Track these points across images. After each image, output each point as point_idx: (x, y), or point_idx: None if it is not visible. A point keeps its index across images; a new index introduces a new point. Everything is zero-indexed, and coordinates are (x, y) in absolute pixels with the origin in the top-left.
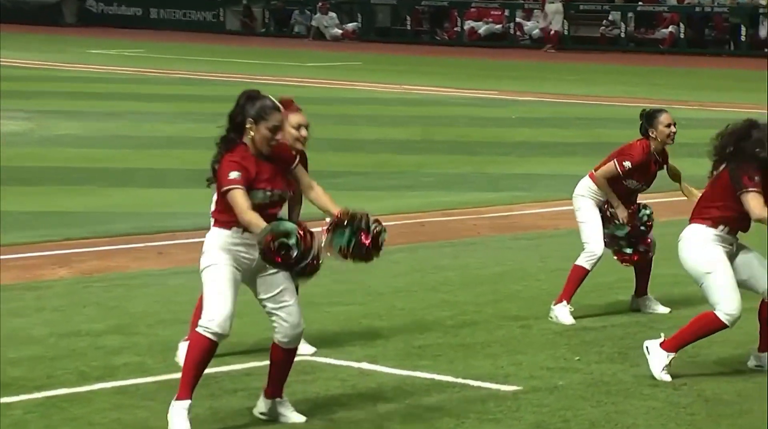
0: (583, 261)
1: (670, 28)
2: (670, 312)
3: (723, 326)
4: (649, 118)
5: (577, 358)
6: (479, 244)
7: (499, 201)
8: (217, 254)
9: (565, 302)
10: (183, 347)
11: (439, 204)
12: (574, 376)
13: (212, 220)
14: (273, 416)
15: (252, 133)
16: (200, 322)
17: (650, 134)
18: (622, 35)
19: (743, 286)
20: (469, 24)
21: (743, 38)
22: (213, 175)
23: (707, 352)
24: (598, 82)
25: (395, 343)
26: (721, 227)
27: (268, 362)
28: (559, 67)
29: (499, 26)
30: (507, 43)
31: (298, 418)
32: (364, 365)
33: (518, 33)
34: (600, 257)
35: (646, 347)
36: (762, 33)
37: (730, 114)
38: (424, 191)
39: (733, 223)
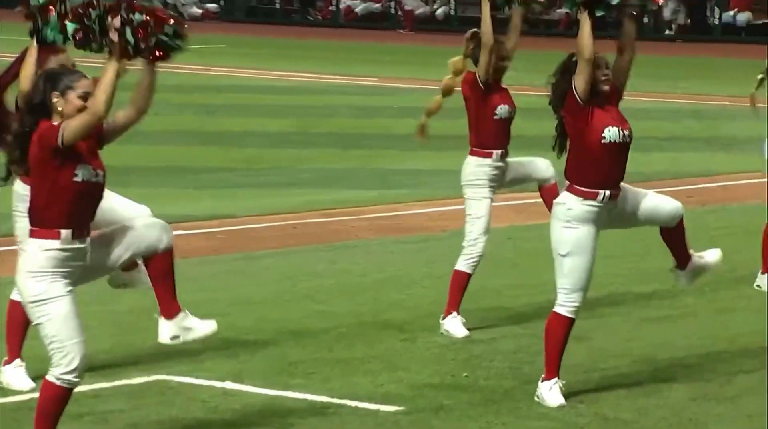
0: (462, 264)
1: (565, 8)
2: None
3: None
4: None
5: (465, 374)
6: (359, 247)
7: (382, 200)
8: (51, 281)
9: (454, 313)
10: (7, 371)
11: (315, 204)
12: (461, 394)
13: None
14: None
15: (61, 108)
16: (58, 373)
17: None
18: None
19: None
20: (345, 2)
21: (645, 19)
22: (18, 164)
23: (603, 367)
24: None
25: (263, 359)
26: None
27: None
28: (447, 52)
29: (378, 5)
30: (388, 24)
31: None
32: (228, 384)
33: (400, 13)
34: (481, 257)
35: (537, 396)
36: (666, 13)
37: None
38: (299, 190)
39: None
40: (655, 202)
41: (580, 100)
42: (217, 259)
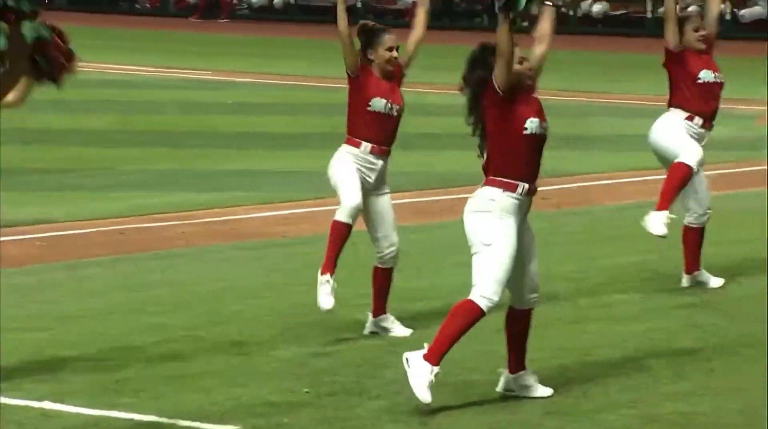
0: (341, 215)
1: None
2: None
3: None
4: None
5: (306, 390)
6: (192, 255)
7: (216, 203)
8: None
9: (329, 275)
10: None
11: (141, 208)
12: (302, 411)
13: None
14: None
15: None
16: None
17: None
18: (359, 5)
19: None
20: None
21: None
22: None
23: (453, 381)
24: (333, 60)
25: (88, 376)
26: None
27: None
28: (286, 43)
29: None
30: (211, 14)
31: None
32: (47, 405)
33: (236, 1)
34: (359, 209)
35: (406, 359)
36: None
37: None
38: (124, 192)
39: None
40: (534, 272)
41: (500, 92)
42: (39, 269)
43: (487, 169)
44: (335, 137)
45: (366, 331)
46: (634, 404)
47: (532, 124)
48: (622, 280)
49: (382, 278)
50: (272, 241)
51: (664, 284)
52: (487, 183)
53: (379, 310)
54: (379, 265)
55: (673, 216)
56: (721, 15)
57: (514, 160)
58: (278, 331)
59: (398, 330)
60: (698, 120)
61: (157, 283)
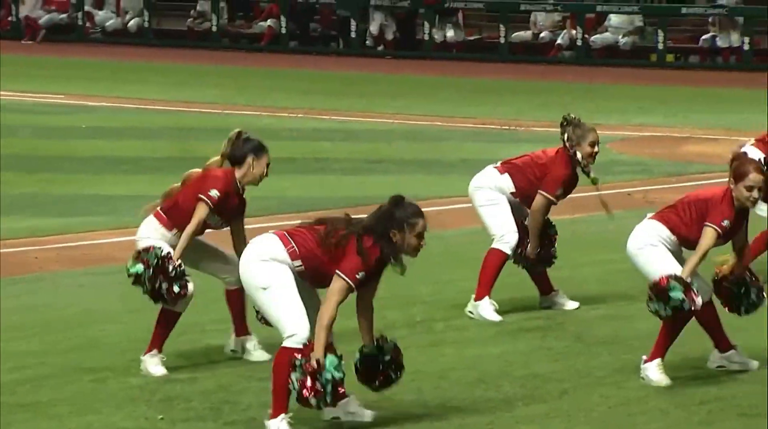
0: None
1: (269, 22)
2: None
3: None
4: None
5: (161, 416)
6: (45, 281)
7: (69, 228)
8: None
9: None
10: None
11: None
12: None
13: None
14: None
15: None
16: None
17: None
18: (214, 29)
19: None
20: (25, 12)
21: (353, 34)
22: None
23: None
24: (187, 84)
25: None
26: None
27: None
28: (140, 68)
29: (64, 15)
30: (75, 37)
31: None
32: None
33: (88, 24)
34: None
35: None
36: (373, 28)
37: (346, 124)
38: None
39: None
40: None
41: None
42: None
43: None
44: (188, 162)
45: (227, 350)
46: (491, 426)
47: None
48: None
49: (236, 299)
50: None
51: (519, 307)
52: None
53: (241, 330)
54: (228, 288)
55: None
56: (572, 41)
57: None
58: (133, 357)
59: (257, 354)
60: None
61: (10, 309)
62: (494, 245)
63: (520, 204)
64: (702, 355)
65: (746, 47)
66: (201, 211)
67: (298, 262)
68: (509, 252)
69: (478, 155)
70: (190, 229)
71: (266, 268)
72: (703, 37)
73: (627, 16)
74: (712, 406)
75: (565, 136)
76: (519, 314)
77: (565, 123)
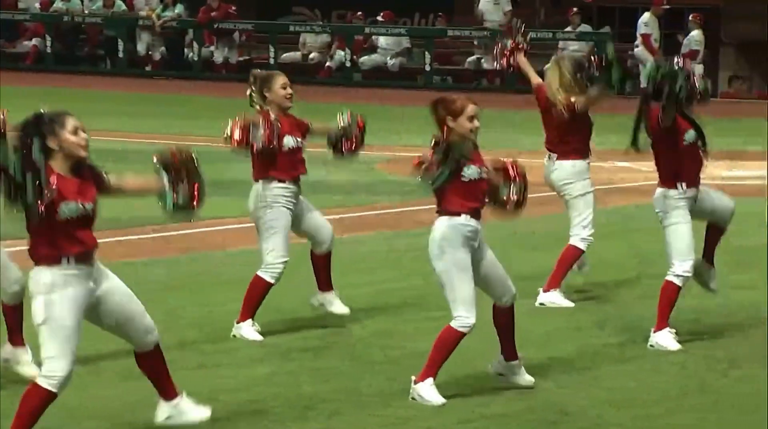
0: (267, 275)
1: (34, 41)
2: None
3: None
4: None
5: None
6: None
7: None
8: None
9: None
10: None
11: None
12: None
13: None
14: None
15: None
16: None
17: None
18: None
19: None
20: None
21: (121, 54)
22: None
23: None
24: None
25: None
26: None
27: None
28: None
29: None
30: None
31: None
32: None
33: None
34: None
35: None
36: (140, 48)
37: (113, 144)
38: None
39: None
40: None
41: None
42: None
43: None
44: None
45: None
46: None
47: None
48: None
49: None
50: None
51: (293, 327)
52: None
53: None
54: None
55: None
56: (343, 63)
57: None
58: None
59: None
60: None
61: None
62: (260, 273)
63: None
64: (476, 373)
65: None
66: None
67: None
68: (273, 281)
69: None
70: None
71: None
72: (469, 59)
73: (395, 37)
74: (488, 423)
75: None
76: (291, 334)
77: (252, 80)
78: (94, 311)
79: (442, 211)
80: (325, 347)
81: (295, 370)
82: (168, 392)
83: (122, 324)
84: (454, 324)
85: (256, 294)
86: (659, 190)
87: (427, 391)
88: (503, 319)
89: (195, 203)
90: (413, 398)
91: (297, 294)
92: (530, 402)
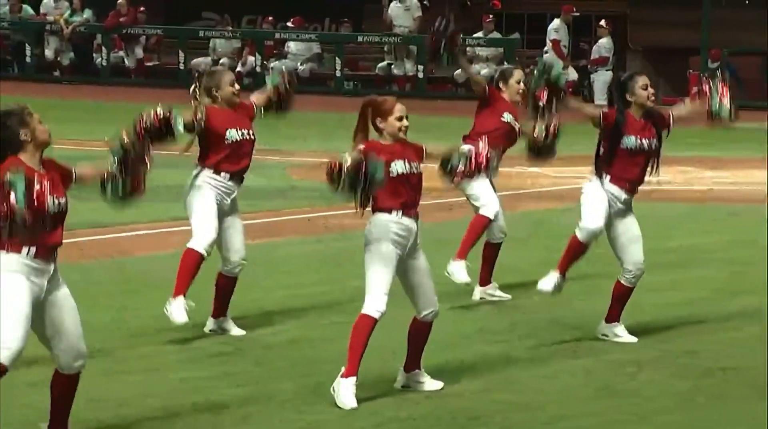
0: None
1: None
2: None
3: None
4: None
5: None
6: None
7: None
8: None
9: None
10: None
11: None
12: None
13: None
14: None
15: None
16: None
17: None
18: None
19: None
20: None
21: (29, 59)
22: None
23: None
24: None
25: None
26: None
27: None
28: None
29: None
30: None
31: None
32: None
33: None
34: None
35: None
36: (49, 53)
37: None
38: None
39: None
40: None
41: None
42: None
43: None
44: None
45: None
46: None
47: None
48: (159, 328)
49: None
50: None
51: (201, 333)
52: None
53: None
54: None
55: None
56: (254, 68)
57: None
58: None
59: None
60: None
61: None
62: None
63: None
64: (389, 375)
65: (420, 75)
66: None
67: None
68: (203, 251)
69: (175, 181)
70: None
71: None
72: (380, 65)
73: (305, 43)
74: (399, 426)
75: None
76: (203, 340)
77: (197, 75)
78: (35, 312)
79: (373, 208)
80: (237, 352)
81: (207, 376)
82: (59, 425)
83: (55, 338)
84: (364, 310)
85: (189, 267)
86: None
87: (345, 392)
88: (418, 333)
89: (139, 191)
90: (333, 389)
91: (209, 299)
92: (439, 406)
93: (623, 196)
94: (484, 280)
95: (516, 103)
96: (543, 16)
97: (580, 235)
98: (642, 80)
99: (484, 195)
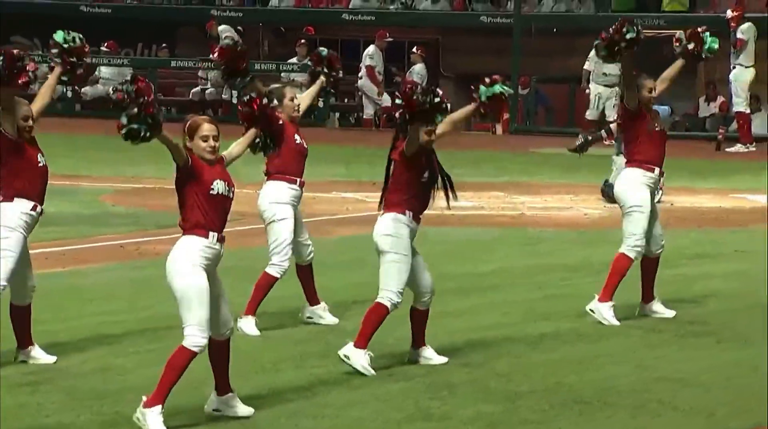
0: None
1: None
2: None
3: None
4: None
5: None
6: None
7: None
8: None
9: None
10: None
11: None
12: None
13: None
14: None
15: None
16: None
17: None
18: None
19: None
20: None
21: None
22: None
23: None
24: None
25: None
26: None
27: None
28: None
29: None
30: None
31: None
32: None
33: None
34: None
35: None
36: None
37: None
38: None
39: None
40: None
41: None
42: None
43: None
44: None
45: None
46: None
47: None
48: None
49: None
50: None
51: (6, 360)
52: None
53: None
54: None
55: None
56: (64, 94)
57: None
58: None
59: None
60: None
61: None
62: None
63: None
64: (201, 399)
65: (235, 101)
66: None
67: None
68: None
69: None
70: None
71: None
72: (193, 90)
73: (118, 68)
74: None
75: None
76: (8, 368)
77: None
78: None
79: (184, 230)
80: (44, 381)
81: (11, 405)
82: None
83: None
84: (185, 343)
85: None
86: (389, 216)
87: (154, 420)
88: (218, 354)
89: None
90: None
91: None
92: None
93: (413, 225)
94: None
95: (294, 119)
96: (357, 43)
97: None
98: None
99: None
